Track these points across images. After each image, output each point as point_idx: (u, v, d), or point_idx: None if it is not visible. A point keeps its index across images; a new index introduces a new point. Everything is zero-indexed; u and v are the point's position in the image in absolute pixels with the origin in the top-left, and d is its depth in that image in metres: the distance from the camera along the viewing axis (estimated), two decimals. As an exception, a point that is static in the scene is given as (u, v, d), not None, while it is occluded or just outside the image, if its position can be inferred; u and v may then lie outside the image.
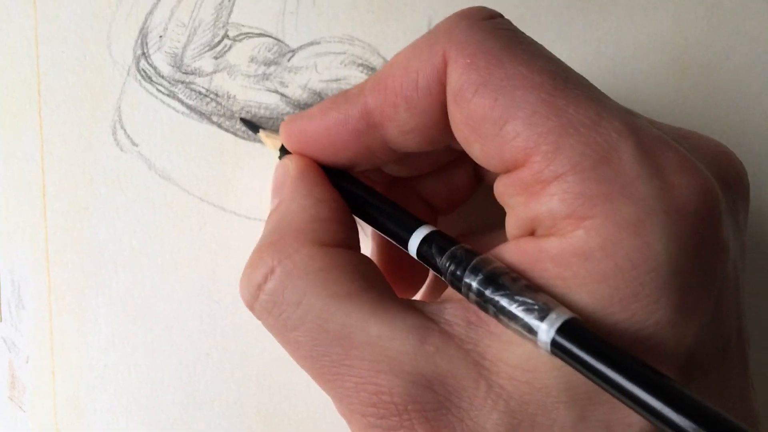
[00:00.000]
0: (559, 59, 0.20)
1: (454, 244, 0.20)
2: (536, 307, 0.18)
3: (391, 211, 0.23)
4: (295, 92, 0.29)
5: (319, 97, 0.29)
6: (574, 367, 0.17)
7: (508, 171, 0.20)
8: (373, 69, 0.29)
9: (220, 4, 0.29)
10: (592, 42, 0.30)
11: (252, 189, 0.29)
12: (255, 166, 0.29)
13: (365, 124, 0.22)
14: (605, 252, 0.18)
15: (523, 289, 0.18)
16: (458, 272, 0.20)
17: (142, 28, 0.29)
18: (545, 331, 0.17)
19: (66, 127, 0.29)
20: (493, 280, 0.19)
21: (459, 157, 0.26)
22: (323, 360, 0.20)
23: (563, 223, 0.18)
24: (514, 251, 0.20)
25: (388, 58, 0.29)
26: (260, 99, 0.29)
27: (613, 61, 0.30)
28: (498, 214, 0.22)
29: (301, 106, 0.29)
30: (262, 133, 0.28)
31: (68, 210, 0.29)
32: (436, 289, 0.27)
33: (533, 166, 0.19)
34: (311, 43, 0.29)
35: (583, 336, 0.17)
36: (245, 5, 0.29)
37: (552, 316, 0.17)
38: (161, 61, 0.29)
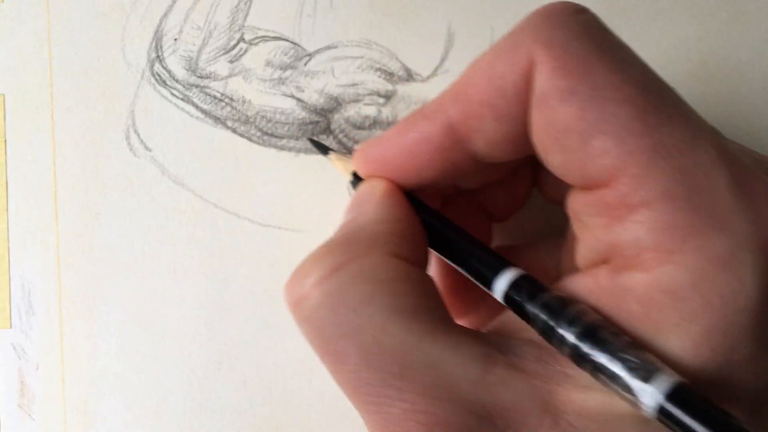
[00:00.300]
0: (650, 67, 0.19)
1: (545, 291, 0.19)
2: (641, 366, 0.17)
3: (475, 249, 0.21)
4: (312, 97, 0.28)
5: (335, 101, 0.28)
6: None
7: (588, 188, 0.19)
8: (390, 73, 0.29)
9: (235, 7, 0.28)
10: (614, 48, 0.29)
11: (267, 195, 0.28)
12: (270, 172, 0.28)
13: (450, 141, 0.20)
14: (696, 290, 0.17)
15: (626, 345, 0.17)
16: (551, 322, 0.18)
17: (156, 31, 0.28)
18: (651, 394, 0.16)
19: (78, 130, 0.28)
20: (591, 335, 0.18)
21: (521, 164, 0.25)
22: (371, 378, 0.19)
23: (648, 255, 0.17)
24: (593, 289, 0.18)
25: (406, 62, 0.28)
26: (276, 103, 0.28)
27: (636, 68, 0.29)
28: (541, 223, 0.21)
29: (318, 111, 0.29)
30: (332, 156, 0.26)
31: (80, 215, 0.28)
32: (489, 318, 0.27)
33: (620, 188, 0.17)
34: (328, 47, 0.29)
35: (694, 403, 0.16)
36: (261, 8, 0.29)
37: (660, 377, 0.17)
38: (176, 65, 0.28)
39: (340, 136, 0.29)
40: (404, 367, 0.18)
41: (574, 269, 0.20)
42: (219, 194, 0.28)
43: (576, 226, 0.20)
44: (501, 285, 0.20)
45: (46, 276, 0.28)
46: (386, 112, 0.29)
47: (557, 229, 0.23)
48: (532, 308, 0.19)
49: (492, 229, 0.27)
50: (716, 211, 0.17)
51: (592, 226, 0.19)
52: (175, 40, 0.28)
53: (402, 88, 0.28)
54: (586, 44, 0.18)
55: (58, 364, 0.28)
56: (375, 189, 0.22)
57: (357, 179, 0.23)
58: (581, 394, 0.18)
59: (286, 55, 0.29)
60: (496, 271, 0.20)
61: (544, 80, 0.18)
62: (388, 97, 0.28)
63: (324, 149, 0.27)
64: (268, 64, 0.29)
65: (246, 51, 0.29)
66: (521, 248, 0.26)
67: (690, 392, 0.16)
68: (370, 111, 0.28)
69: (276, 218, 0.28)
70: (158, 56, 0.28)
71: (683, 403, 0.16)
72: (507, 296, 0.20)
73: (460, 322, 0.26)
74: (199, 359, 0.29)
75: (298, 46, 0.29)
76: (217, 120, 0.29)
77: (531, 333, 0.19)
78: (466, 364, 0.18)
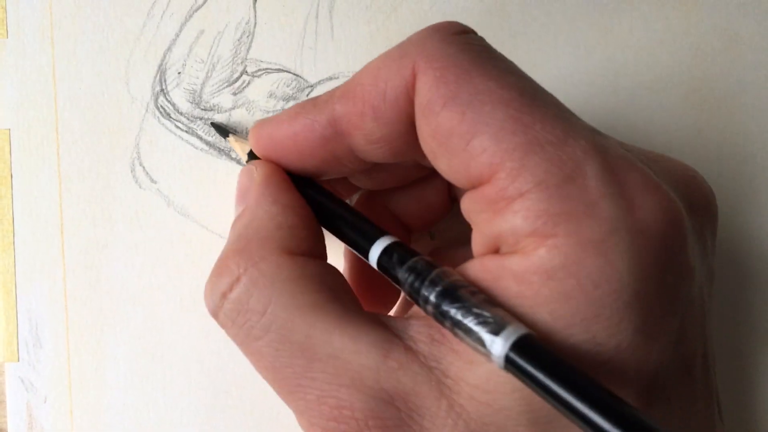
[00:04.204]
0: (529, 76, 0.20)
1: (414, 256, 0.20)
2: (492, 321, 0.17)
3: (355, 221, 0.22)
4: (314, 128, 0.29)
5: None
6: (526, 384, 0.17)
7: (474, 187, 0.20)
8: (392, 104, 0.29)
9: (238, 40, 0.29)
10: (610, 75, 0.30)
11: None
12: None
13: (332, 132, 0.22)
14: (567, 271, 0.18)
15: (481, 302, 0.18)
16: (416, 284, 0.19)
17: (160, 65, 0.29)
18: (499, 345, 0.17)
19: (84, 164, 0.29)
20: (450, 293, 0.18)
21: (430, 175, 0.26)
22: (285, 371, 0.20)
23: (526, 241, 0.18)
24: (477, 268, 0.19)
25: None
26: (279, 135, 0.29)
27: (631, 94, 0.30)
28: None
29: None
30: (231, 138, 0.27)
31: (86, 247, 0.29)
32: (409, 307, 0.27)
33: (498, 182, 0.19)
34: (330, 78, 0.29)
35: (538, 352, 0.17)
36: (264, 41, 0.29)
37: (507, 330, 0.17)
38: (180, 98, 0.29)
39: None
40: (311, 360, 0.20)
41: None
42: (224, 225, 0.29)
43: (472, 227, 0.21)
44: (375, 253, 0.21)
45: (53, 309, 0.29)
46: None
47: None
48: (400, 272, 0.20)
49: (410, 239, 0.28)
50: (587, 197, 0.18)
51: (479, 222, 0.20)
52: (179, 73, 0.29)
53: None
54: (466, 57, 0.20)
55: (66, 397, 0.29)
56: (252, 173, 0.23)
57: (253, 159, 0.24)
58: (468, 371, 0.19)
59: (288, 86, 0.29)
60: (371, 240, 0.21)
61: (427, 89, 0.20)
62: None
63: (224, 132, 0.28)
64: (271, 95, 0.29)
65: (249, 83, 0.29)
66: (451, 251, 0.27)
67: (536, 343, 0.17)
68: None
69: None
70: (162, 89, 0.29)
71: (527, 352, 0.17)
72: (379, 263, 0.21)
73: (380, 310, 0.26)
74: (207, 389, 0.29)
75: (300, 77, 0.29)
76: (221, 151, 0.29)
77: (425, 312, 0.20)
78: (365, 351, 0.20)
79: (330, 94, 0.22)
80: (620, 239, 0.18)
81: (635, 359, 0.18)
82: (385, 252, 0.21)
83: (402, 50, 0.21)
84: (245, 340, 0.21)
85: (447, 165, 0.20)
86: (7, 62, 0.29)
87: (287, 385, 0.20)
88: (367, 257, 0.22)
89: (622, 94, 0.30)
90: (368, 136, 0.21)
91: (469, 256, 0.23)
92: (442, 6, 0.29)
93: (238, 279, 0.21)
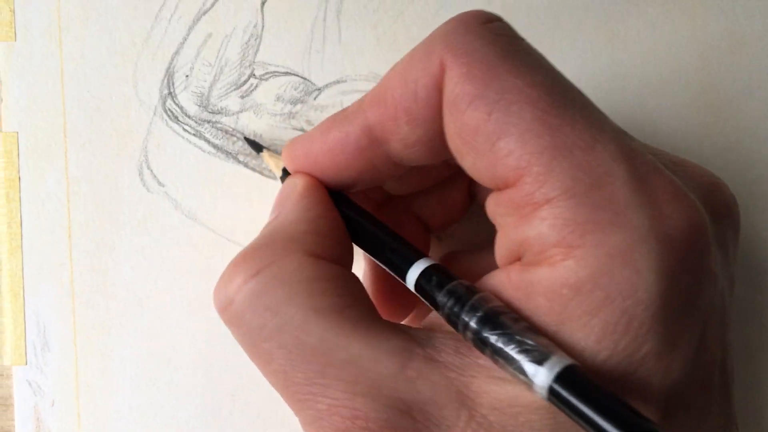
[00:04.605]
0: (558, 72, 0.20)
1: (453, 280, 0.20)
2: (535, 349, 0.17)
3: (391, 241, 0.22)
4: (322, 131, 0.29)
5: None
6: (569, 415, 0.17)
7: (499, 188, 0.19)
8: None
9: (246, 44, 0.29)
10: (617, 78, 0.30)
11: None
12: (282, 205, 0.29)
13: (367, 141, 0.21)
14: (596, 283, 0.17)
15: (523, 330, 0.18)
16: (456, 309, 0.19)
17: (168, 68, 0.29)
18: (543, 376, 0.17)
19: (92, 167, 0.29)
20: (491, 320, 0.18)
21: (454, 174, 0.26)
22: (296, 377, 0.19)
23: (552, 251, 0.18)
24: (505, 283, 0.19)
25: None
26: (287, 137, 0.29)
27: (638, 97, 0.30)
28: (488, 234, 0.22)
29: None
30: (265, 153, 0.27)
31: (94, 251, 0.29)
32: (423, 316, 0.27)
33: (524, 187, 0.18)
34: (337, 81, 0.29)
35: (582, 384, 0.17)
36: (271, 44, 0.29)
37: (551, 360, 0.17)
38: (188, 101, 0.29)
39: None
40: (326, 365, 0.19)
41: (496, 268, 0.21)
42: (232, 228, 0.29)
43: (497, 229, 0.21)
44: (413, 275, 0.21)
45: (61, 312, 0.29)
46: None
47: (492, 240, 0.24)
48: (439, 296, 0.20)
49: (430, 239, 0.27)
50: (615, 206, 0.18)
51: (504, 225, 0.20)
52: (187, 76, 0.29)
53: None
54: (494, 50, 0.19)
55: (74, 400, 0.28)
56: (296, 185, 0.23)
57: (286, 175, 0.24)
58: (494, 386, 0.19)
59: (296, 89, 0.29)
60: (409, 262, 0.21)
61: (453, 86, 0.19)
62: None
63: (258, 147, 0.28)
64: (279, 98, 0.29)
65: (257, 86, 0.29)
66: (463, 254, 0.26)
67: (580, 374, 0.17)
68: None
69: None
70: (170, 93, 0.29)
71: (572, 384, 0.17)
72: (417, 285, 0.21)
73: (396, 320, 0.26)
74: (214, 392, 0.29)
75: (308, 80, 0.29)
76: (229, 155, 0.29)
77: (448, 324, 0.20)
78: (384, 359, 0.19)
79: (360, 103, 0.22)
80: (649, 249, 0.17)
81: (660, 368, 0.18)
82: (424, 274, 0.21)
83: (428, 46, 0.20)
84: (255, 339, 0.20)
85: (472, 164, 0.20)
86: (15, 65, 0.29)
87: (297, 392, 0.19)
88: (404, 278, 0.21)
89: (629, 97, 0.30)
90: (405, 140, 0.21)
91: (479, 259, 0.22)
92: (449, 9, 0.29)
93: (257, 273, 0.20)
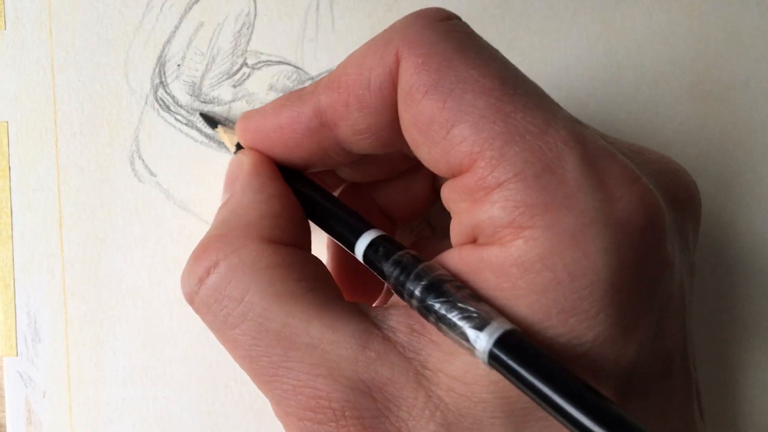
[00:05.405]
0: (512, 64, 0.20)
1: (400, 250, 0.20)
2: (476, 316, 0.17)
3: (342, 214, 0.22)
4: (315, 120, 0.29)
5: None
6: (509, 379, 0.17)
7: (453, 176, 0.19)
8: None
9: (238, 32, 0.29)
10: (612, 67, 0.29)
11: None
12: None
13: (318, 123, 0.22)
14: (544, 264, 0.18)
15: (466, 297, 0.18)
16: (402, 278, 0.19)
17: (159, 57, 0.29)
18: (483, 341, 0.17)
19: (83, 157, 0.28)
20: (435, 288, 0.18)
21: (416, 166, 0.26)
22: (262, 360, 0.20)
23: (504, 232, 0.18)
24: (456, 260, 0.19)
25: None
26: (279, 127, 0.29)
27: (634, 87, 0.30)
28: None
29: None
30: (220, 129, 0.27)
31: (85, 241, 0.28)
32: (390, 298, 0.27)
33: (477, 171, 0.18)
34: (330, 70, 0.29)
35: (522, 349, 0.17)
36: (264, 33, 0.29)
37: (492, 326, 0.17)
38: (179, 90, 0.29)
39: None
40: (288, 349, 0.20)
41: None
42: (224, 218, 0.28)
43: (452, 216, 0.21)
44: (361, 246, 0.21)
45: (52, 303, 0.28)
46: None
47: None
48: (386, 266, 0.20)
49: (395, 232, 0.28)
50: (565, 189, 0.18)
51: (458, 211, 0.20)
52: (179, 65, 0.29)
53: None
54: (450, 44, 0.19)
55: (65, 392, 0.28)
56: (242, 162, 0.23)
57: (240, 149, 0.24)
58: (447, 363, 0.19)
59: (288, 79, 0.29)
60: (358, 234, 0.21)
61: (409, 76, 0.19)
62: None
63: (213, 123, 0.28)
64: (271, 88, 0.29)
65: (249, 75, 0.29)
66: (420, 245, 0.26)
67: (520, 339, 0.17)
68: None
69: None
70: (162, 82, 0.29)
71: (511, 348, 0.17)
72: (365, 256, 0.21)
73: (363, 301, 0.26)
74: (207, 383, 0.29)
75: (301, 69, 0.29)
76: (221, 144, 0.29)
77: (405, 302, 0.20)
78: (344, 341, 0.20)
79: (315, 85, 0.22)
80: (598, 231, 0.18)
81: (613, 353, 0.18)
82: (372, 245, 0.21)
83: (386, 37, 0.20)
84: (222, 327, 0.21)
85: (428, 154, 0.20)
86: (5, 54, 0.28)
87: (264, 375, 0.20)
88: (353, 250, 0.21)
89: (624, 87, 0.30)
90: (354, 127, 0.21)
91: (447, 246, 0.22)
92: (444, -2, 0.29)
93: (216, 264, 0.20)
